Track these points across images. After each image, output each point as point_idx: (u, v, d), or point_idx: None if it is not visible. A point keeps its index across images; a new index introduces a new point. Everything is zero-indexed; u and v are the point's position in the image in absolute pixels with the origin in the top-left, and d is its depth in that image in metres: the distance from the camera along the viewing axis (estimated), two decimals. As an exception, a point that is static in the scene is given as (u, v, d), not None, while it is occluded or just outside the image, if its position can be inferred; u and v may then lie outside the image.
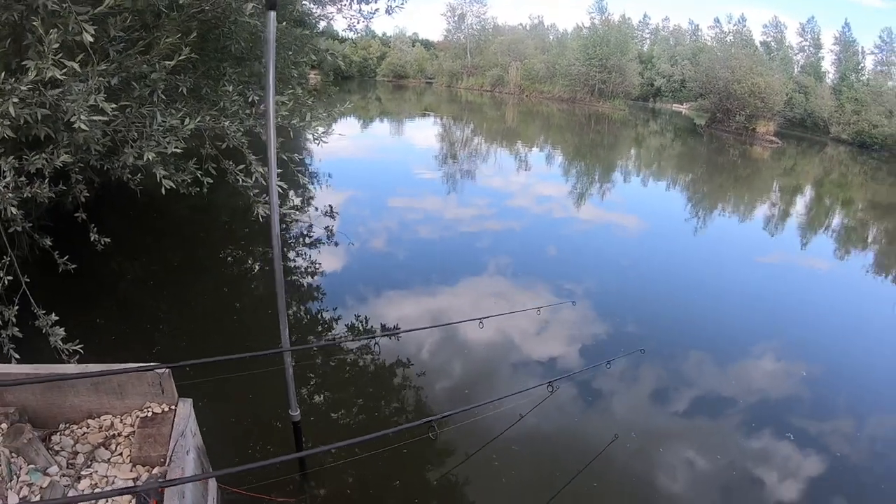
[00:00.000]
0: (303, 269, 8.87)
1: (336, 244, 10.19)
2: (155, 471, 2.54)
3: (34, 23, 3.17)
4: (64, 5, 3.26)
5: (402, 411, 5.64)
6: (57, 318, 4.15)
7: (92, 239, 4.94)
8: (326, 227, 10.98)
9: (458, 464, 4.87)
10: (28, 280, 4.26)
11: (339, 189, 14.58)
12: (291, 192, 12.01)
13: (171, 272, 8.12)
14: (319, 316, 7.34)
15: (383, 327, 7.16)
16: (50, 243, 4.60)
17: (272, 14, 2.92)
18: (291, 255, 9.46)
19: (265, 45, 2.98)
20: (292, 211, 10.84)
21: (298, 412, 3.93)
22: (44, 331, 4.07)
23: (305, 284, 8.32)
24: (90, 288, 6.52)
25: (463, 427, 4.85)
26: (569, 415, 5.87)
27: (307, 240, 10.35)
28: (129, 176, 4.85)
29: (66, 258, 4.77)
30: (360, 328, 7.10)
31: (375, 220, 12.28)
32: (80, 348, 4.05)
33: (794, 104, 54.00)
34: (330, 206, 12.48)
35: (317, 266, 9.03)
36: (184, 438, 2.64)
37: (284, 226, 10.52)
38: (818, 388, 7.08)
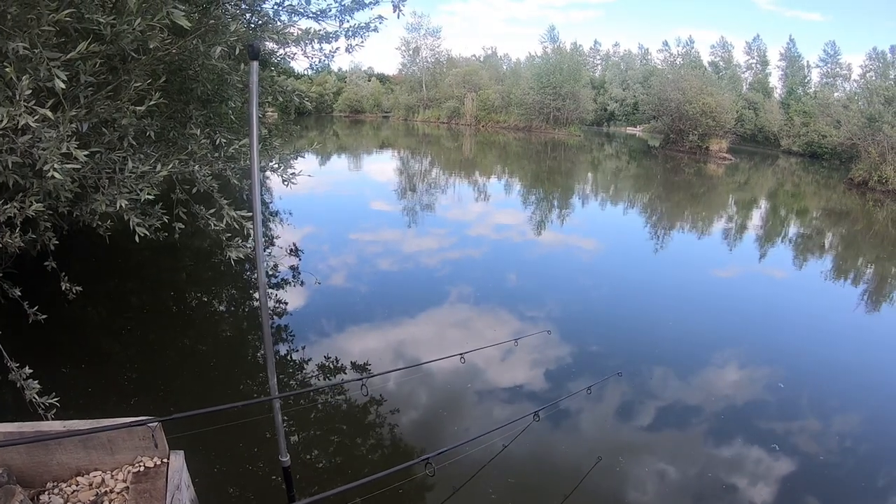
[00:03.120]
0: (272, 311, 8.73)
1: (302, 283, 10.08)
2: (153, 526, 2.47)
3: (6, 69, 3.11)
4: (36, 51, 3.21)
5: (393, 450, 5.59)
6: (31, 370, 4.02)
7: (63, 288, 4.82)
8: (291, 266, 10.88)
9: (453, 499, 4.83)
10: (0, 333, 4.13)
11: (299, 227, 14.47)
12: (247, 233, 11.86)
13: (140, 318, 7.94)
14: (296, 359, 7.24)
15: (364, 367, 7.09)
16: (20, 293, 4.47)
17: (255, 64, 2.92)
18: (258, 295, 9.31)
19: (249, 95, 2.97)
20: (266, 253, 10.71)
21: (288, 458, 3.85)
22: (18, 384, 3.93)
23: (282, 325, 8.20)
24: (59, 338, 6.34)
25: (455, 463, 4.81)
26: (555, 441, 5.91)
27: (273, 280, 10.21)
28: (99, 222, 4.76)
29: (35, 308, 4.63)
30: (340, 369, 7.02)
31: (339, 257, 12.20)
32: (57, 401, 3.92)
33: (744, 120, 56.13)
34: (294, 244, 12.39)
35: (285, 306, 8.91)
36: (179, 492, 2.57)
37: (250, 265, 10.41)
38: (796, 396, 7.24)
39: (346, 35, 7.29)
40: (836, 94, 53.86)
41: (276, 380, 3.52)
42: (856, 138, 32.93)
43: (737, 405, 6.89)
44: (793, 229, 21.11)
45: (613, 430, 6.29)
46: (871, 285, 13.71)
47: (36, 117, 3.20)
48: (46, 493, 2.67)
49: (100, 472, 2.75)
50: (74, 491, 2.68)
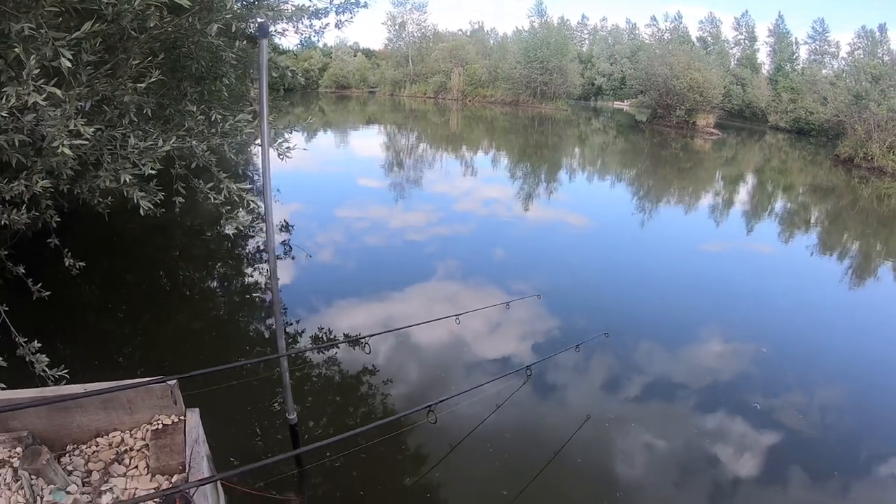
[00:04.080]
0: (267, 282, 8.85)
1: (293, 258, 10.20)
2: (175, 478, 2.62)
3: (15, 48, 3.20)
4: (42, 31, 3.30)
5: (395, 403, 5.87)
6: (39, 344, 4.15)
7: (67, 264, 4.93)
8: (283, 242, 10.98)
9: (450, 450, 5.09)
10: (7, 308, 4.25)
11: (287, 203, 14.51)
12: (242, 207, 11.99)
13: (138, 294, 8.05)
14: (295, 329, 7.39)
15: (363, 331, 7.28)
16: (23, 270, 4.59)
17: (265, 42, 3.03)
18: (250, 269, 9.46)
19: (259, 72, 3.08)
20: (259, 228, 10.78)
21: (295, 415, 4.03)
22: (27, 359, 4.06)
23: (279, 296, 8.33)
24: (62, 313, 6.43)
25: (454, 416, 5.07)
26: (547, 399, 6.23)
27: (265, 254, 10.29)
28: (100, 199, 4.86)
29: (39, 285, 4.75)
30: (339, 335, 7.22)
31: (329, 233, 12.28)
32: (66, 373, 4.06)
33: (732, 96, 56.26)
34: (285, 220, 12.46)
35: (279, 280, 9.03)
36: (198, 445, 2.73)
37: (245, 241, 10.51)
38: (777, 360, 7.55)
39: (336, 11, 7.39)
40: (823, 72, 54.16)
41: (284, 340, 3.68)
42: (842, 115, 33.16)
43: (714, 369, 7.16)
44: (779, 205, 21.42)
45: (600, 387, 6.60)
46: (856, 261, 13.99)
47: (43, 96, 3.30)
48: (67, 454, 2.81)
49: (119, 432, 2.89)
50: (95, 451, 2.82)
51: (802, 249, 14.48)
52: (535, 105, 58.03)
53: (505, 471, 4.94)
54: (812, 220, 18.54)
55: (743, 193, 22.88)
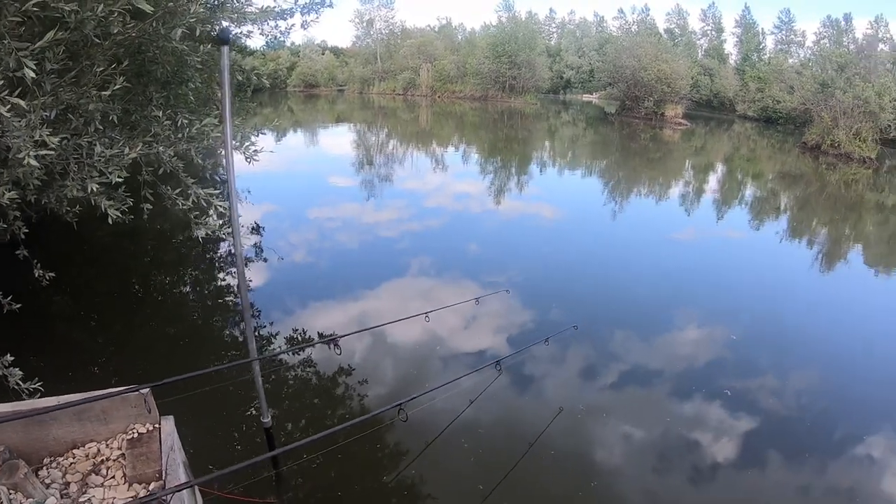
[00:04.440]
0: (238, 286, 8.83)
1: (265, 260, 10.18)
2: (152, 485, 2.64)
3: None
4: (5, 42, 3.28)
5: (367, 403, 5.93)
6: (12, 358, 4.12)
7: (37, 275, 4.89)
8: (254, 245, 10.93)
9: (425, 447, 5.17)
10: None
11: (258, 204, 14.43)
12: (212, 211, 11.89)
13: (110, 303, 7.95)
14: (268, 332, 7.39)
15: (334, 332, 7.29)
16: (-8, 283, 4.55)
17: (226, 49, 3.04)
18: (222, 273, 9.41)
19: (220, 78, 3.09)
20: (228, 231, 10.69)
21: (269, 418, 4.06)
22: (0, 373, 4.03)
23: (250, 301, 8.30)
24: (34, 325, 6.38)
25: (427, 413, 5.14)
26: (519, 393, 6.34)
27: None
28: (68, 208, 4.83)
29: (9, 298, 4.71)
30: (311, 336, 7.24)
31: (300, 233, 12.27)
32: (41, 386, 4.04)
33: (700, 86, 57.18)
34: (255, 222, 12.40)
35: (250, 282, 9.00)
36: (174, 452, 2.75)
37: (216, 244, 10.44)
38: (748, 348, 7.72)
39: (301, 11, 7.37)
40: (790, 61, 55.21)
41: (255, 343, 3.70)
42: (809, 103, 33.91)
43: (688, 357, 7.33)
44: (748, 192, 21.82)
45: (571, 379, 6.74)
46: (825, 246, 14.34)
47: (7, 107, 3.27)
48: (45, 468, 2.81)
49: (95, 443, 2.90)
50: (72, 463, 2.83)
51: (772, 236, 14.79)
52: (505, 99, 58.19)
53: (480, 465, 5.02)
54: (781, 207, 18.91)
55: (713, 182, 23.25)
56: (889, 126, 30.27)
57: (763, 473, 5.23)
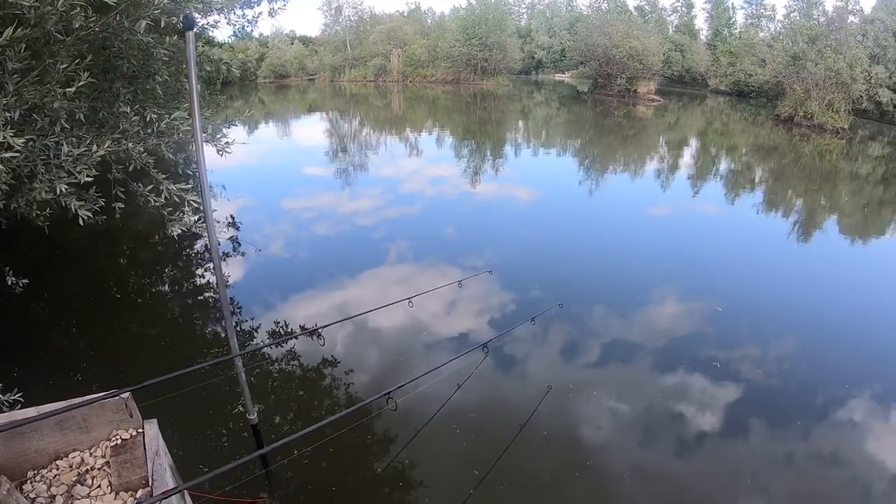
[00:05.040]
0: (214, 284, 8.71)
1: (243, 254, 10.06)
2: (139, 493, 2.57)
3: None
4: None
5: (356, 393, 5.88)
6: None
7: (10, 283, 4.77)
8: (231, 238, 10.79)
9: (415, 434, 5.16)
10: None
11: (233, 198, 14.24)
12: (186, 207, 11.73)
13: (87, 306, 7.81)
14: (250, 326, 7.31)
15: (316, 323, 7.22)
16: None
17: (190, 34, 2.94)
18: (201, 270, 9.29)
19: (188, 67, 2.99)
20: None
21: (255, 415, 4.00)
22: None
23: (230, 296, 8.20)
24: (10, 334, 6.24)
25: (417, 400, 5.13)
26: (508, 374, 6.34)
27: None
28: (38, 212, 4.70)
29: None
30: (294, 328, 7.18)
31: (277, 225, 12.15)
32: (20, 397, 3.94)
33: (672, 62, 57.48)
34: (231, 216, 12.25)
35: (228, 278, 8.89)
36: (159, 457, 2.68)
37: (193, 241, 10.30)
38: (733, 319, 7.82)
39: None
40: (761, 35, 55.40)
41: (236, 339, 3.63)
42: (781, 76, 34.24)
43: (675, 330, 7.37)
44: (724, 166, 21.97)
45: (559, 358, 6.76)
46: (802, 216, 14.50)
47: (-32, 109, 3.16)
48: (28, 481, 2.72)
49: (78, 452, 2.82)
50: (56, 475, 2.74)
51: (749, 208, 14.93)
52: (477, 82, 57.94)
53: (473, 449, 5.02)
54: (757, 179, 19.09)
55: (688, 157, 23.38)
56: (861, 97, 30.62)
57: (750, 441, 5.32)
